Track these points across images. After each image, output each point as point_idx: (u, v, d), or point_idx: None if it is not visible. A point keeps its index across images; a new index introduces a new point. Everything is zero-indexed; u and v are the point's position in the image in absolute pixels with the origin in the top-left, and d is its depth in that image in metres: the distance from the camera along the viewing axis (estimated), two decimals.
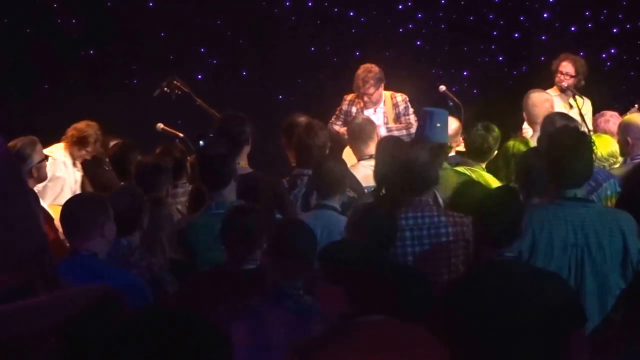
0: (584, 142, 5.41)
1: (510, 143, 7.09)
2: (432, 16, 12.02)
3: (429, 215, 5.84)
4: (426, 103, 8.90)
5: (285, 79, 11.46)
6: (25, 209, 3.36)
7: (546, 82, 9.53)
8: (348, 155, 7.89)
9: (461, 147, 8.17)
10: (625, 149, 7.47)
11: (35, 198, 5.99)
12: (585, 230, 5.23)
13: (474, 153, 7.35)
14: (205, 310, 4.37)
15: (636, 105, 9.02)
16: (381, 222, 5.40)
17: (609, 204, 6.29)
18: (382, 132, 8.78)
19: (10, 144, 6.94)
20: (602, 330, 4.75)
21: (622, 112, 8.82)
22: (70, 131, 8.64)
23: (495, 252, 4.62)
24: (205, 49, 11.76)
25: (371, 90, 8.95)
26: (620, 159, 7.34)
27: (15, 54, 10.75)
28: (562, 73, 9.51)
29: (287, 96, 11.54)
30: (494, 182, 6.98)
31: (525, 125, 8.93)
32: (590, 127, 8.50)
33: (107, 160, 8.22)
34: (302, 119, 7.67)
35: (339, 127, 8.95)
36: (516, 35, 12.08)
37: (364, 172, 7.31)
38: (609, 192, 6.47)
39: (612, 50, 11.87)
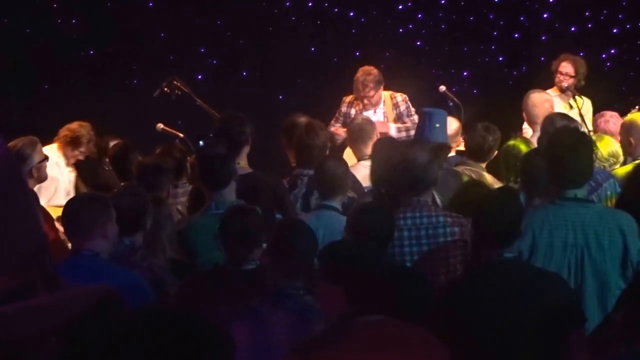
0: (584, 143, 5.41)
1: (511, 143, 7.09)
2: (432, 16, 12.02)
3: (428, 215, 5.85)
4: (426, 103, 8.89)
5: (285, 79, 11.45)
6: (25, 209, 3.36)
7: (546, 82, 9.53)
8: (348, 155, 7.89)
9: (461, 147, 8.17)
10: (628, 149, 7.48)
11: (35, 198, 5.99)
12: (585, 231, 5.23)
13: (474, 153, 7.35)
14: (205, 311, 4.37)
15: (637, 107, 9.02)
16: (378, 221, 5.41)
17: (609, 204, 6.30)
18: (393, 131, 8.78)
19: (11, 144, 6.94)
20: (602, 330, 4.75)
21: (622, 112, 8.82)
22: (63, 132, 8.62)
23: (495, 252, 4.62)
24: (205, 49, 11.76)
25: (371, 93, 8.94)
26: (620, 159, 7.34)
27: (15, 54, 10.75)
28: (561, 73, 9.51)
29: (287, 96, 11.53)
30: (494, 183, 6.98)
31: (525, 125, 8.93)
32: (590, 128, 8.50)
33: (107, 160, 8.23)
34: (303, 119, 7.67)
35: (335, 128, 8.92)
36: (516, 35, 12.08)
37: (364, 172, 7.30)
38: (609, 192, 6.47)
39: (612, 51, 11.87)
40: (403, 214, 5.83)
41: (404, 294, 4.44)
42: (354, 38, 11.75)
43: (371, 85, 8.93)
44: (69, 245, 5.41)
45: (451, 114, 8.61)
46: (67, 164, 8.59)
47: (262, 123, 8.38)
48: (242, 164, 6.92)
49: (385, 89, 9.15)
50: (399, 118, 9.05)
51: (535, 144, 7.16)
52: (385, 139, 7.65)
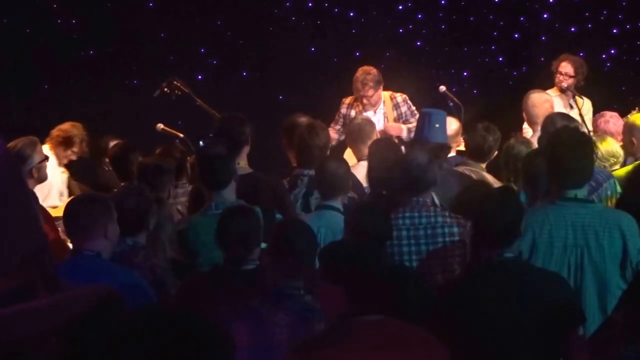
0: (584, 143, 5.41)
1: (511, 143, 7.09)
2: (432, 17, 12.02)
3: (426, 215, 5.86)
4: (426, 103, 8.90)
5: (285, 79, 11.45)
6: (25, 210, 3.36)
7: (546, 82, 9.53)
8: (348, 155, 7.88)
9: (461, 148, 8.17)
10: (630, 149, 7.49)
11: (35, 198, 5.99)
12: (585, 231, 5.23)
13: (475, 153, 7.35)
14: (205, 311, 4.37)
15: (637, 108, 9.02)
16: (377, 221, 5.41)
17: (609, 204, 6.30)
18: (405, 133, 8.77)
19: (11, 144, 6.93)
20: (602, 330, 4.75)
21: (622, 113, 8.83)
22: (55, 132, 8.58)
23: (495, 252, 4.62)
24: (205, 49, 11.76)
25: (370, 92, 8.93)
26: (620, 159, 7.34)
27: (15, 54, 10.75)
28: (561, 73, 9.51)
29: (287, 96, 11.53)
30: (495, 183, 6.98)
31: (525, 126, 8.93)
32: (590, 128, 8.50)
33: (107, 160, 8.22)
34: (303, 119, 7.66)
35: (334, 131, 8.89)
36: (516, 35, 12.08)
37: (364, 172, 7.30)
38: (609, 192, 6.47)
39: (612, 51, 11.87)
40: (402, 214, 5.84)
41: (404, 294, 4.44)
42: (354, 38, 11.75)
43: (370, 84, 8.92)
44: (70, 245, 5.41)
45: (451, 114, 8.61)
46: (60, 164, 8.56)
47: (262, 123, 8.38)
48: (242, 164, 6.92)
49: (385, 89, 9.14)
50: (399, 118, 9.03)
51: (535, 144, 7.16)
52: (381, 140, 7.64)
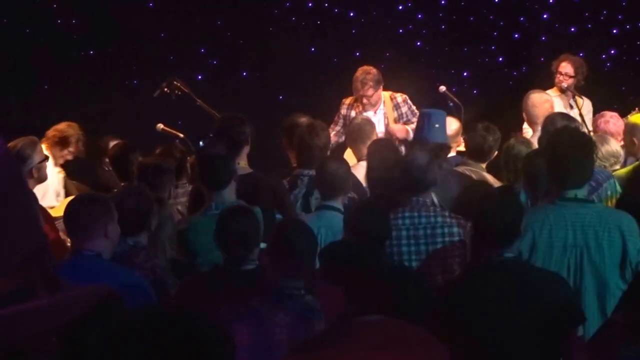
0: (584, 143, 5.41)
1: (511, 143, 7.09)
2: (432, 17, 12.01)
3: (426, 215, 5.86)
4: (426, 103, 8.90)
5: (285, 79, 11.45)
6: (25, 210, 3.36)
7: (546, 82, 9.53)
8: (348, 156, 7.88)
9: (462, 148, 8.17)
10: (631, 149, 7.50)
11: (35, 199, 5.99)
12: (584, 231, 5.23)
13: (475, 153, 7.35)
14: (205, 311, 4.37)
15: (637, 108, 9.03)
16: (377, 221, 5.41)
17: (609, 204, 6.30)
18: (411, 135, 8.76)
19: (11, 144, 6.93)
20: (602, 330, 4.75)
21: (622, 113, 8.83)
22: (51, 132, 8.54)
23: (495, 252, 4.62)
24: (205, 49, 11.76)
25: (370, 92, 8.91)
26: (621, 159, 7.35)
27: (15, 54, 10.75)
28: (561, 73, 9.51)
29: (287, 96, 11.53)
30: (495, 183, 6.98)
31: (525, 126, 8.93)
32: (590, 128, 8.50)
33: (107, 160, 8.22)
34: (304, 119, 7.66)
35: (333, 134, 8.87)
36: (516, 36, 12.08)
37: (364, 172, 7.30)
38: (609, 192, 6.48)
39: (612, 51, 11.87)
40: (402, 214, 5.84)
41: (404, 294, 4.44)
42: (354, 38, 11.75)
43: (370, 84, 8.91)
44: (69, 245, 5.41)
45: (451, 114, 8.61)
46: (56, 164, 8.54)
47: (262, 123, 8.38)
48: (242, 164, 6.92)
49: (385, 89, 9.12)
50: (400, 119, 9.01)
51: (535, 144, 7.16)
52: (380, 140, 7.64)
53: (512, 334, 4.53)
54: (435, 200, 6.18)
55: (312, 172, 6.77)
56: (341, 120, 9.00)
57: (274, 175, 7.13)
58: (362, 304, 3.97)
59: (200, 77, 11.43)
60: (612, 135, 7.90)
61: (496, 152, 7.37)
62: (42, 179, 7.44)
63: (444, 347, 4.01)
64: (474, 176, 7.04)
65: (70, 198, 7.74)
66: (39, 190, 7.87)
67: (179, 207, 7.07)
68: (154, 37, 11.34)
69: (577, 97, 9.26)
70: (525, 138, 7.90)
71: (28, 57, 10.83)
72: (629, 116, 8.70)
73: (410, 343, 3.94)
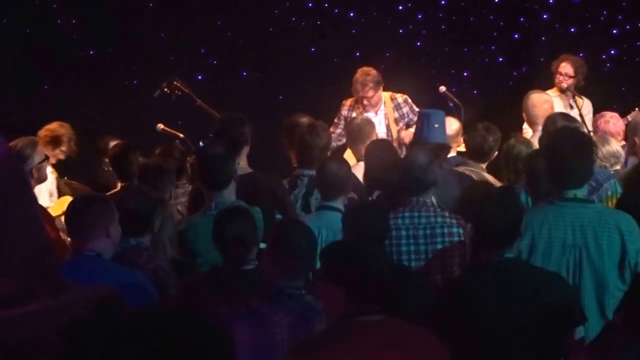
0: (584, 143, 5.41)
1: (511, 143, 7.09)
2: (432, 17, 12.01)
3: (426, 215, 5.87)
4: (426, 103, 8.90)
5: (285, 79, 11.44)
6: (25, 210, 3.36)
7: (546, 82, 9.53)
8: (348, 156, 7.88)
9: (462, 148, 8.17)
10: (634, 149, 7.50)
11: (35, 199, 5.98)
12: (584, 231, 5.23)
13: (475, 154, 7.36)
14: (205, 311, 4.37)
15: (637, 108, 9.03)
16: (372, 220, 5.41)
17: (610, 204, 6.30)
18: None
19: (11, 144, 6.92)
20: (603, 332, 4.75)
21: (622, 113, 8.83)
22: (43, 132, 8.52)
23: (495, 253, 4.62)
24: (205, 49, 11.76)
25: (370, 93, 8.92)
26: (621, 159, 7.35)
27: (15, 54, 10.75)
28: (561, 74, 9.52)
29: (287, 96, 11.52)
30: (495, 183, 6.98)
31: (525, 126, 8.93)
32: (590, 128, 8.51)
33: (107, 160, 8.22)
34: (304, 119, 7.66)
35: (335, 136, 8.86)
36: (516, 36, 12.08)
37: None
38: (609, 193, 6.48)
39: (612, 51, 11.87)
40: (401, 214, 5.85)
41: (404, 294, 4.44)
42: (354, 38, 11.75)
43: (370, 85, 8.91)
44: (69, 244, 5.41)
45: (451, 114, 8.61)
46: (48, 164, 8.52)
47: (262, 123, 8.38)
48: (242, 164, 6.92)
49: (385, 89, 9.13)
50: (401, 119, 9.01)
51: (535, 144, 7.17)
52: (379, 141, 7.64)
53: (513, 334, 4.53)
54: (434, 200, 6.19)
55: (313, 172, 6.77)
56: (342, 122, 8.99)
57: (274, 176, 7.13)
58: (362, 304, 3.97)
59: (200, 77, 11.44)
60: (612, 135, 7.91)
61: (496, 152, 7.38)
62: (42, 179, 7.44)
63: (444, 347, 4.01)
64: (474, 176, 7.04)
65: (64, 198, 7.77)
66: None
67: (179, 207, 7.07)
68: (154, 37, 11.34)
69: (577, 97, 9.26)
70: (525, 138, 7.91)
71: (28, 57, 10.83)
72: (628, 116, 8.71)
73: (411, 343, 3.94)
